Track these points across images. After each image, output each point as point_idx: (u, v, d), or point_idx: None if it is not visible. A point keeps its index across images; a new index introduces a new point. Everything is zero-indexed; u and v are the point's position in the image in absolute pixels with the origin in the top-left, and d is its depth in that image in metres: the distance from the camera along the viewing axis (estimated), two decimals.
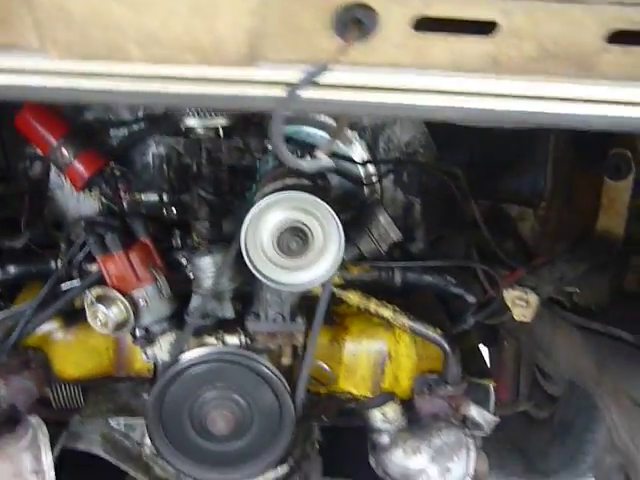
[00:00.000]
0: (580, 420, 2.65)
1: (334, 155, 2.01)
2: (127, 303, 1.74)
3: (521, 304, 1.69)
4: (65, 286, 1.87)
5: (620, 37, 0.79)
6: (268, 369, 1.76)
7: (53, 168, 2.00)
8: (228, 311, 1.83)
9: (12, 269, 1.97)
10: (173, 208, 1.89)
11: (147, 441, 1.85)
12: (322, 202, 1.58)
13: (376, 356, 1.95)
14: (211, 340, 1.79)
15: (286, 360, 1.87)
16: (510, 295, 1.71)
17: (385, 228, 1.81)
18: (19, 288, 2.02)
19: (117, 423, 1.88)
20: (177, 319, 1.82)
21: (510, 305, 1.72)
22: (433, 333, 1.87)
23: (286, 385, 1.77)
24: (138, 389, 1.97)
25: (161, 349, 1.83)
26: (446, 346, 1.86)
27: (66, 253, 1.88)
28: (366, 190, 2.08)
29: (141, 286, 1.76)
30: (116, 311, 1.73)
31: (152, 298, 1.78)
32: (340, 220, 1.70)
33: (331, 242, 1.63)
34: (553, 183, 2.31)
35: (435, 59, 0.80)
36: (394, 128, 2.07)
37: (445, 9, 0.75)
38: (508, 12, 0.75)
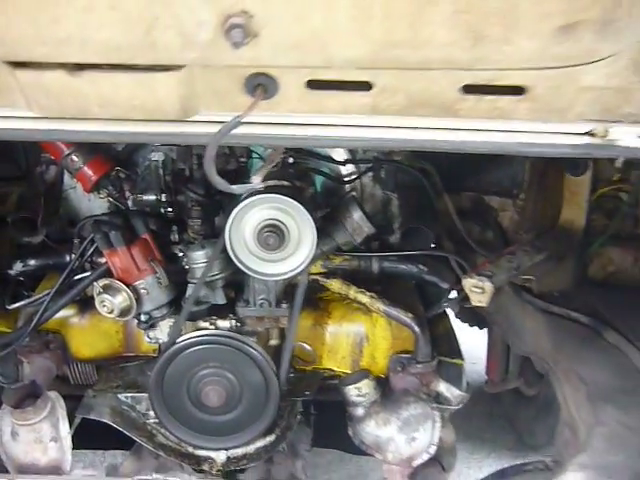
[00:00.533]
0: None
1: (317, 156, 2.21)
2: (130, 292, 1.97)
3: (477, 291, 1.86)
4: (78, 277, 2.12)
5: (473, 89, 0.99)
6: (255, 350, 1.97)
7: (66, 172, 2.24)
8: (220, 298, 2.05)
9: (32, 262, 2.25)
10: (170, 207, 2.11)
11: (151, 413, 2.09)
12: (296, 202, 1.80)
13: (355, 338, 2.17)
14: (205, 324, 2.01)
15: (274, 341, 2.09)
16: (468, 283, 1.88)
17: (358, 223, 2.00)
18: (39, 279, 2.27)
19: (125, 397, 2.12)
20: (175, 306, 2.05)
21: (468, 292, 1.90)
22: (405, 317, 2.07)
23: (272, 364, 1.98)
24: (145, 367, 2.20)
25: (162, 332, 2.07)
26: (416, 328, 2.06)
27: (78, 248, 2.11)
28: (348, 187, 2.27)
29: (142, 277, 1.99)
30: (120, 299, 1.97)
31: (152, 287, 2.00)
32: (317, 217, 1.92)
33: (305, 237, 1.84)
34: (530, 176, 2.47)
35: (329, 108, 1.02)
36: None
37: (329, 74, 0.97)
38: (377, 75, 0.95)
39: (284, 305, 2.02)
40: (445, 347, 2.22)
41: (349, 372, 2.17)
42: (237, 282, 2.08)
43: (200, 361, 1.98)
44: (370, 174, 2.28)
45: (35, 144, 2.16)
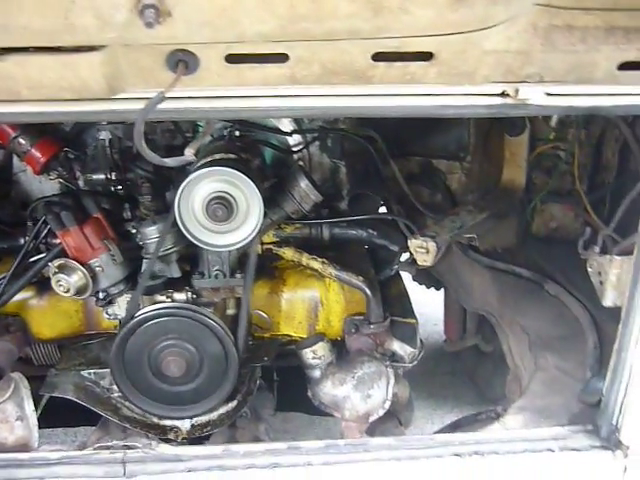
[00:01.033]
0: None
1: (264, 128, 2.26)
2: (85, 271, 2.01)
3: (422, 251, 1.94)
4: (34, 259, 2.14)
5: (382, 57, 1.05)
6: (212, 320, 2.03)
7: (15, 156, 2.25)
8: (175, 271, 2.09)
9: None
10: (120, 186, 2.14)
11: (115, 387, 2.14)
12: (242, 174, 1.84)
13: (310, 303, 2.23)
14: (162, 298, 2.06)
15: (230, 311, 2.15)
16: (413, 244, 1.96)
17: (306, 191, 2.06)
18: None
19: (88, 373, 2.16)
20: (132, 282, 2.09)
21: (413, 252, 1.97)
22: (356, 280, 2.14)
23: (229, 332, 2.04)
24: (107, 344, 2.24)
25: (120, 308, 2.12)
26: (367, 291, 2.13)
27: (32, 230, 2.14)
28: (295, 157, 2.32)
29: (96, 255, 2.03)
30: (76, 278, 2.00)
31: (107, 265, 2.04)
32: (264, 187, 1.96)
33: (253, 208, 1.89)
34: (475, 138, 2.55)
35: (249, 80, 1.08)
36: None
37: (245, 48, 1.02)
38: (292, 47, 1.01)
39: (238, 275, 2.07)
40: (398, 308, 2.31)
41: (306, 337, 2.25)
42: (192, 255, 2.13)
43: (159, 334, 2.03)
44: (317, 143, 2.33)
45: None
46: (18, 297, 2.17)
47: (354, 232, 2.27)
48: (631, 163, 2.11)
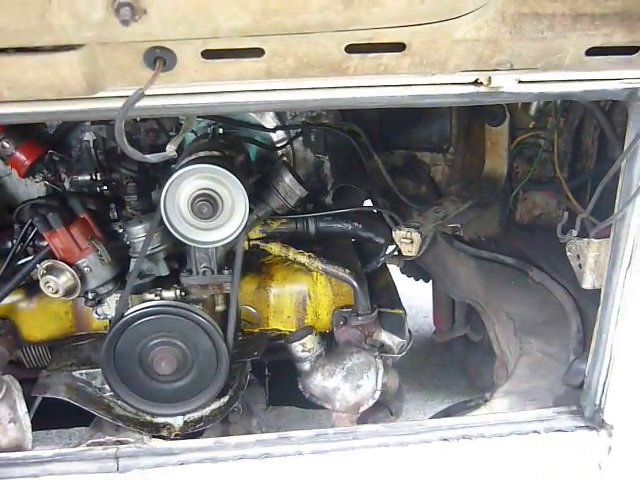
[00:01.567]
0: None
1: (248, 124, 2.28)
2: (73, 271, 2.02)
3: (406, 242, 1.97)
4: (22, 262, 2.16)
5: (355, 48, 1.07)
6: (201, 316, 2.04)
7: None
8: (163, 270, 2.11)
9: None
10: (106, 186, 2.16)
11: (107, 387, 2.15)
12: (227, 171, 1.86)
13: (298, 297, 2.26)
14: (150, 296, 2.08)
15: (220, 307, 2.17)
16: (397, 235, 1.98)
17: (290, 186, 2.08)
18: None
19: (80, 374, 2.18)
20: (121, 281, 2.11)
21: (398, 243, 2.00)
22: (342, 273, 2.17)
23: (218, 328, 2.06)
24: (97, 344, 2.25)
25: (109, 307, 2.13)
26: (354, 283, 2.16)
27: (19, 233, 2.15)
28: (279, 153, 2.34)
29: (84, 256, 2.04)
30: (64, 279, 2.02)
31: (95, 265, 2.06)
32: (249, 184, 1.98)
33: (238, 204, 1.91)
34: (457, 129, 2.58)
35: (226, 75, 1.10)
36: None
37: (221, 44, 1.04)
38: (266, 41, 1.03)
39: (226, 271, 2.09)
40: (386, 299, 2.33)
41: (295, 330, 2.27)
42: (179, 253, 2.14)
43: (149, 332, 2.04)
44: (300, 139, 2.35)
45: None
46: (7, 300, 2.18)
47: (339, 225, 2.29)
48: (610, 149, 2.14)
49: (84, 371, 2.18)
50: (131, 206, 2.13)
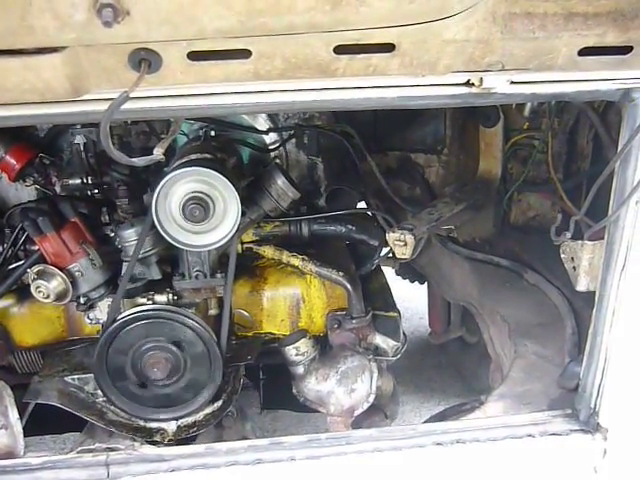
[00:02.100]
0: None
1: (240, 126, 2.26)
2: (64, 276, 2.00)
3: (400, 244, 1.95)
4: (13, 267, 2.14)
5: (344, 49, 1.06)
6: (194, 320, 2.03)
7: None
8: (155, 273, 2.09)
9: None
10: (97, 189, 2.14)
11: (100, 392, 2.13)
12: (218, 174, 1.85)
13: (292, 300, 2.24)
14: (143, 300, 2.06)
15: (213, 311, 2.16)
16: (391, 237, 1.97)
17: (282, 189, 2.07)
18: None
19: (72, 379, 2.16)
20: (113, 285, 2.09)
21: (392, 246, 1.99)
22: (336, 276, 2.15)
23: (212, 332, 2.04)
24: (90, 349, 2.23)
25: (101, 312, 2.11)
26: (348, 286, 2.14)
27: (10, 238, 2.13)
28: (272, 155, 2.33)
29: (75, 260, 2.02)
30: (55, 284, 2.00)
31: (86, 269, 2.04)
32: (241, 186, 1.96)
33: (230, 207, 1.89)
34: (451, 130, 2.57)
35: (212, 77, 1.08)
36: None
37: (206, 45, 1.03)
38: (253, 42, 1.02)
39: (219, 275, 2.07)
40: (380, 302, 2.32)
41: (289, 334, 2.25)
42: (172, 257, 2.13)
43: (141, 336, 2.02)
44: (293, 141, 2.34)
45: None
46: None
47: (333, 228, 2.28)
48: (605, 150, 2.13)
49: (76, 376, 2.16)
50: (122, 210, 2.11)
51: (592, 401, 1.62)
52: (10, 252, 2.13)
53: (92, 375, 2.12)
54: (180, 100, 1.15)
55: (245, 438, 2.22)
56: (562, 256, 1.66)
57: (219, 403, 2.16)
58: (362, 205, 2.67)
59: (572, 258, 1.63)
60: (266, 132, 2.28)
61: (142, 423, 2.15)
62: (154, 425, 2.15)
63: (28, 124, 2.00)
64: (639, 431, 1.59)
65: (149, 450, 1.62)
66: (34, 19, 0.93)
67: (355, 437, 1.64)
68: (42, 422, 2.24)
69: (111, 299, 2.08)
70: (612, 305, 1.54)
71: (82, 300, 2.07)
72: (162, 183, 1.84)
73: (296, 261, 2.19)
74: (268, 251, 2.23)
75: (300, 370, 2.12)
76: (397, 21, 1.00)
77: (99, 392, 2.14)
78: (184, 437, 2.14)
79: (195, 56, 1.06)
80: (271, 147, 2.31)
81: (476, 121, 2.39)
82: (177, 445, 2.12)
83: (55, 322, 2.27)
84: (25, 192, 2.29)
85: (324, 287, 2.23)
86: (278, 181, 2.07)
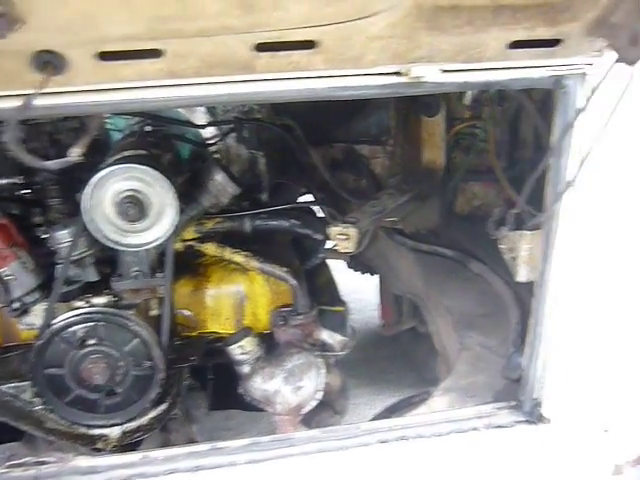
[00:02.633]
0: None
1: (177, 121, 2.19)
2: None
3: (343, 238, 1.92)
4: None
5: (264, 47, 1.01)
6: (133, 322, 1.96)
7: None
8: (92, 275, 2.02)
9: None
10: (28, 189, 2.04)
11: (37, 400, 2.05)
12: (152, 170, 1.78)
13: (235, 298, 2.19)
14: (80, 303, 1.98)
15: (154, 311, 2.09)
16: (333, 231, 1.94)
17: (222, 184, 2.01)
18: None
19: (7, 387, 2.08)
20: (48, 289, 2.00)
21: (334, 240, 1.95)
22: (280, 271, 2.11)
23: (153, 334, 1.98)
24: (27, 356, 2.15)
25: (37, 317, 2.02)
26: (292, 281, 2.10)
27: None
28: (212, 149, 2.26)
29: (6, 264, 1.93)
30: None
31: (18, 273, 1.95)
32: (178, 182, 1.90)
33: (167, 205, 1.83)
34: (395, 121, 2.54)
35: (125, 76, 1.03)
36: None
37: (117, 46, 0.97)
38: (165, 43, 0.97)
39: (159, 275, 2.01)
40: (326, 296, 2.29)
41: (233, 332, 2.20)
42: (110, 257, 2.05)
43: (78, 341, 1.96)
44: (233, 135, 2.28)
45: None
46: None
47: (276, 223, 2.22)
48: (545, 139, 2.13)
49: (12, 384, 2.08)
50: (55, 210, 2.02)
51: (535, 392, 1.62)
52: None
53: (29, 383, 2.04)
54: (89, 96, 1.08)
55: (192, 440, 2.18)
56: (500, 247, 1.65)
57: (164, 406, 2.10)
58: (307, 198, 2.63)
59: (511, 249, 1.61)
60: (203, 126, 2.21)
61: (84, 430, 2.08)
62: (96, 432, 2.08)
63: None
64: (581, 421, 1.60)
65: (82, 462, 1.55)
66: None
67: (298, 439, 1.61)
68: None
69: (46, 303, 2.00)
70: (552, 295, 1.54)
71: (15, 305, 1.98)
72: (92, 181, 1.77)
73: (239, 258, 2.14)
74: (210, 248, 2.17)
75: (246, 369, 2.08)
76: (315, 22, 0.96)
77: (36, 400, 2.06)
78: (128, 443, 2.08)
79: (105, 56, 1.00)
80: (210, 142, 2.24)
81: (418, 111, 2.37)
82: (122, 451, 2.07)
83: None
84: None
85: (268, 283, 2.18)
86: (217, 176, 2.01)
